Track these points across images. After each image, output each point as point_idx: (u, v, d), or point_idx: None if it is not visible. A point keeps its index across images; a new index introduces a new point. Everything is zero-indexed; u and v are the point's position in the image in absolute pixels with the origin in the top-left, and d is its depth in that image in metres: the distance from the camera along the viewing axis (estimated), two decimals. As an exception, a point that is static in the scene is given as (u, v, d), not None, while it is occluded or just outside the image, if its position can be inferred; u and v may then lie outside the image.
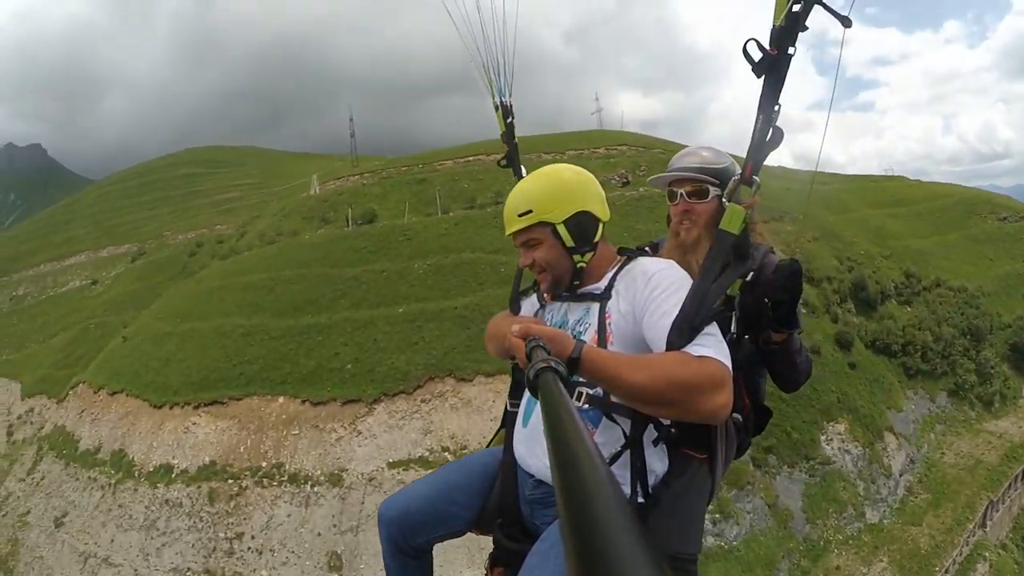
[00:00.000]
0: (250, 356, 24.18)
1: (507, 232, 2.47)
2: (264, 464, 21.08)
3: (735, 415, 2.52)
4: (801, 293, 2.50)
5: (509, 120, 3.29)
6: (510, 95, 3.28)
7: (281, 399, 22.45)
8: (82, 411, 29.21)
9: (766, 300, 2.47)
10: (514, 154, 3.28)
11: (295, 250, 31.35)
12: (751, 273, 2.45)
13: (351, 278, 26.87)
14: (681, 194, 2.74)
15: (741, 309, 2.48)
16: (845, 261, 32.16)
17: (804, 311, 27.61)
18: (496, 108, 3.30)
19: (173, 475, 22.34)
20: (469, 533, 2.71)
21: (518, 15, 3.08)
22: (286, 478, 20.54)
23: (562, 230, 2.35)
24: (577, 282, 2.44)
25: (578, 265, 2.40)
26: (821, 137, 2.76)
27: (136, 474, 23.49)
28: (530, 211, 2.35)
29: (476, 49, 3.15)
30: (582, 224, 2.37)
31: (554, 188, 2.39)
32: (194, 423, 23.10)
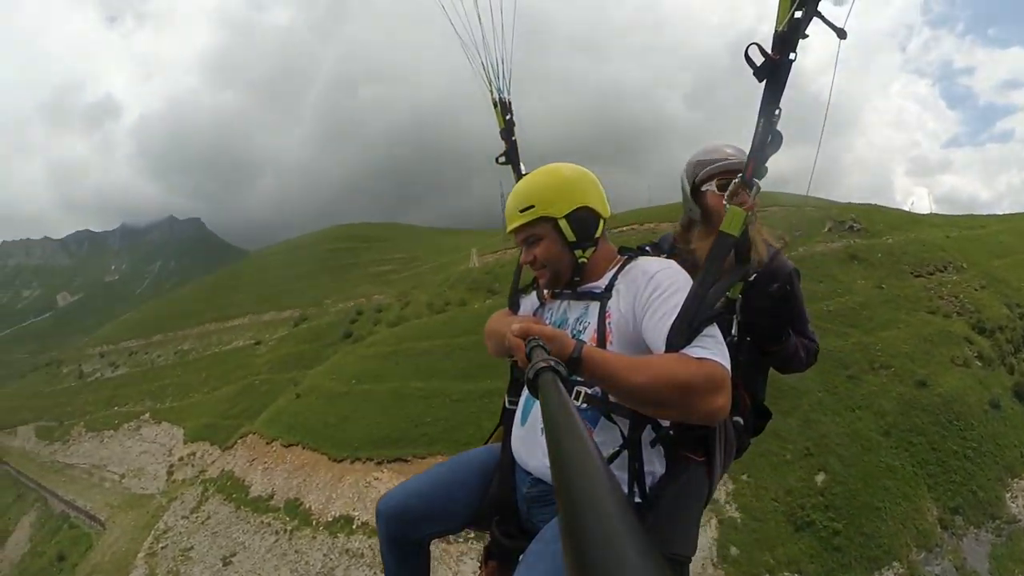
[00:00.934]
0: (432, 417, 25.02)
1: (508, 229, 2.47)
2: (450, 521, 21.11)
3: (736, 418, 2.55)
4: (786, 316, 2.62)
5: (508, 117, 3.27)
6: (509, 92, 3.27)
7: (466, 459, 22.61)
8: (252, 459, 30.77)
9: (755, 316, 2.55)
10: (513, 151, 3.25)
11: (466, 319, 32.54)
12: (754, 275, 2.48)
13: (525, 346, 27.28)
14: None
15: (742, 312, 2.48)
16: (1015, 308, 29.79)
17: (979, 364, 26.14)
18: (495, 105, 3.27)
19: (354, 526, 22.94)
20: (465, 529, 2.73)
21: (516, 11, 3.02)
22: (472, 536, 20.49)
23: (563, 224, 2.36)
24: (578, 278, 2.44)
25: (579, 260, 2.41)
26: (815, 155, 2.68)
27: (313, 523, 24.33)
28: (532, 207, 2.37)
29: (475, 46, 3.13)
30: (583, 219, 2.39)
31: (555, 183, 2.41)
32: (376, 478, 23.86)
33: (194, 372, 63.79)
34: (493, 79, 3.23)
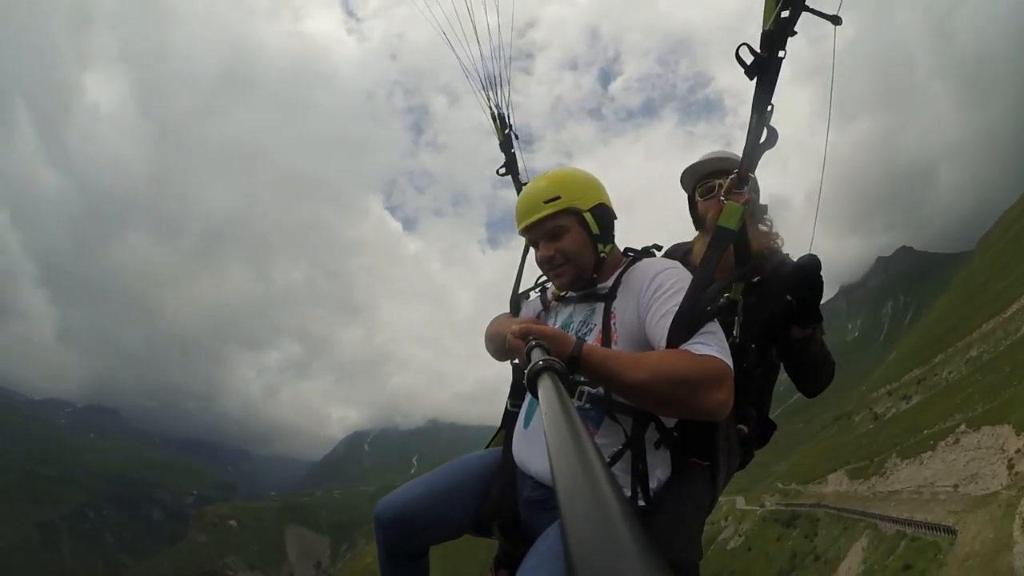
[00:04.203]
0: None
1: (529, 221, 2.35)
2: None
3: (740, 426, 2.52)
4: (822, 288, 2.49)
5: (507, 131, 3.44)
6: (508, 106, 3.44)
7: None
8: None
9: (788, 297, 2.48)
10: (512, 163, 3.42)
11: None
12: (756, 277, 2.45)
13: None
14: (720, 184, 2.72)
15: (746, 313, 2.41)
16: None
17: None
18: (493, 119, 3.43)
19: None
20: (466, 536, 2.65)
21: (513, 27, 3.35)
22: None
23: (589, 217, 2.33)
24: (596, 275, 2.38)
25: (601, 254, 2.37)
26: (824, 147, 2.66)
27: None
28: (558, 197, 2.32)
29: (473, 63, 3.34)
30: (604, 215, 2.37)
31: (578, 178, 2.39)
32: None
33: (993, 371, 64.93)
34: (491, 94, 3.44)
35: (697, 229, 3.01)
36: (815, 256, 2.50)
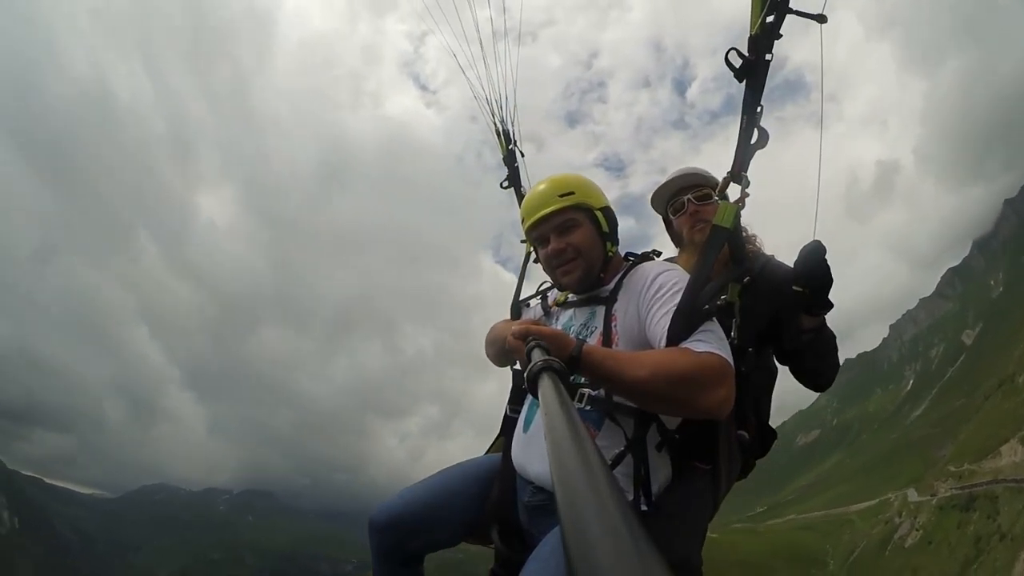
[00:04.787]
0: None
1: (544, 212, 2.37)
2: None
3: (741, 432, 2.53)
4: (831, 273, 2.49)
5: (510, 146, 3.59)
6: (513, 123, 3.59)
7: None
8: None
9: (795, 288, 2.51)
10: (515, 177, 3.56)
11: None
12: (747, 278, 2.47)
13: None
14: (689, 199, 2.89)
15: (743, 315, 2.40)
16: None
17: None
18: (497, 134, 3.61)
19: None
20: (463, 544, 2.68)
21: (520, 47, 3.46)
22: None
23: (600, 215, 2.40)
24: (602, 275, 2.42)
25: (609, 253, 2.42)
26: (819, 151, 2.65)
27: None
28: (572, 193, 2.38)
29: (479, 81, 3.50)
30: (612, 216, 2.45)
31: (586, 180, 2.45)
32: None
33: None
34: (496, 111, 3.61)
35: (677, 247, 3.08)
36: (818, 241, 2.53)
